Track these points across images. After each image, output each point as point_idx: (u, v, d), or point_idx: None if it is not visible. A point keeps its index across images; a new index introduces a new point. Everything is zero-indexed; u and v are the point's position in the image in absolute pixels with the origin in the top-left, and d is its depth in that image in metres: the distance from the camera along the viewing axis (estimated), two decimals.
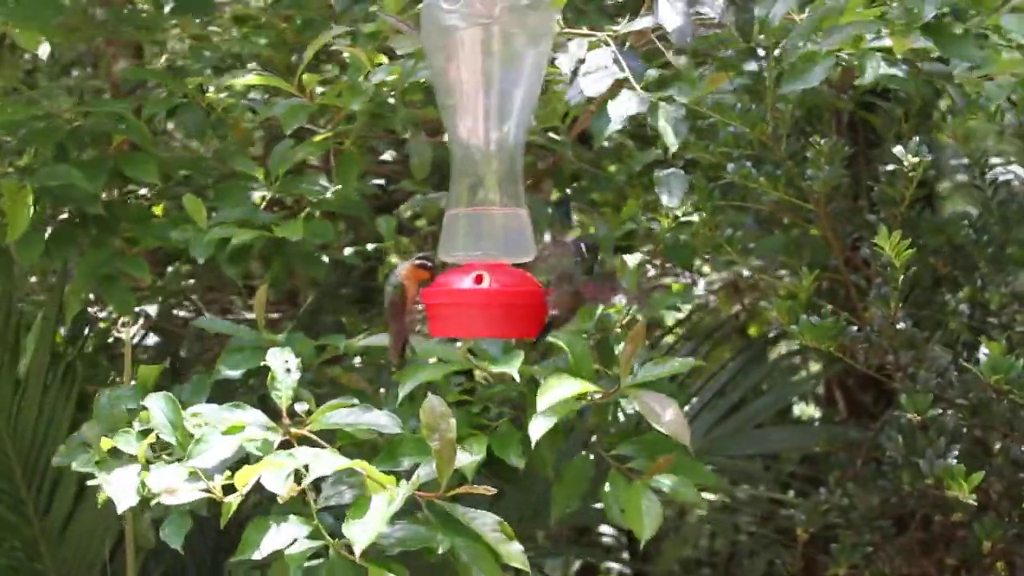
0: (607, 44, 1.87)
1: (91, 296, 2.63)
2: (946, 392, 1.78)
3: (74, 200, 2.29)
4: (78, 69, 3.52)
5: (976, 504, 1.70)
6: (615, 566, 3.76)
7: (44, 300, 2.56)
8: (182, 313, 3.11)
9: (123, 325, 2.32)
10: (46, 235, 2.29)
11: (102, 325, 2.71)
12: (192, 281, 3.08)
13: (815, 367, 2.78)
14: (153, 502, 1.69)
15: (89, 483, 1.80)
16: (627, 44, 1.89)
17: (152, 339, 3.04)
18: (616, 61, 1.83)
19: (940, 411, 1.74)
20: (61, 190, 2.24)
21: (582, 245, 1.55)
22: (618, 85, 1.83)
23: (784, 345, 2.92)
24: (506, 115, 1.47)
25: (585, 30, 1.93)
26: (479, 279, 1.46)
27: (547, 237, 2.03)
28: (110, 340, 2.75)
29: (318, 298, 2.94)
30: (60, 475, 2.36)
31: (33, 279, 2.97)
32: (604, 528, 3.69)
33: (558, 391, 1.69)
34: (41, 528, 2.37)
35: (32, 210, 2.18)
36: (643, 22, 1.87)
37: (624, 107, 1.80)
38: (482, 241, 1.49)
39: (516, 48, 1.46)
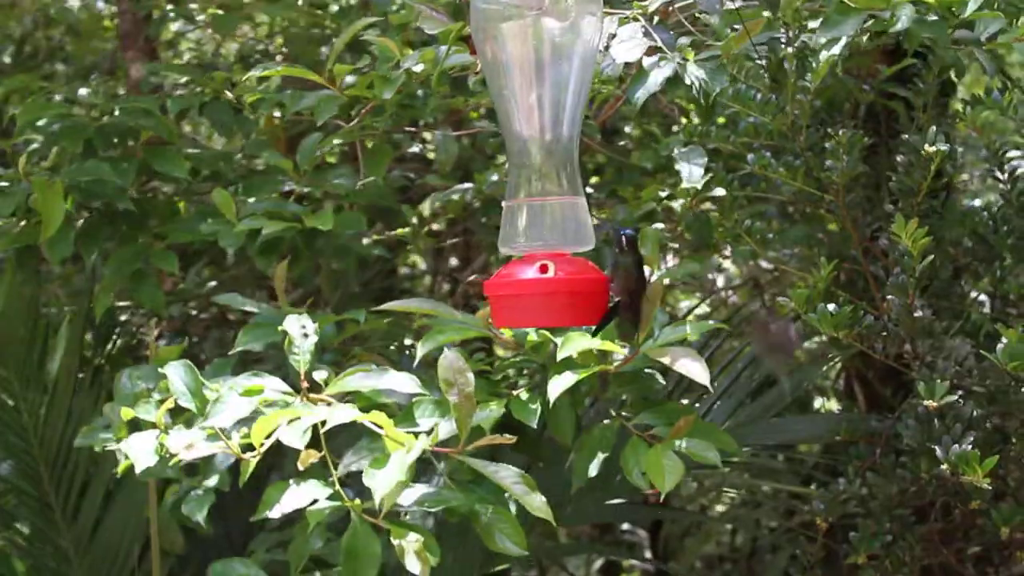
0: (637, 20, 1.88)
1: (119, 302, 2.65)
2: (964, 380, 1.78)
3: (104, 196, 2.30)
4: (95, 75, 3.54)
5: (992, 490, 1.70)
6: (638, 563, 3.77)
7: (70, 304, 2.57)
8: (204, 316, 3.12)
9: (147, 328, 2.33)
10: (74, 232, 2.29)
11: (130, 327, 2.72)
12: (214, 283, 3.09)
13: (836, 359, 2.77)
14: (172, 462, 1.69)
15: (107, 447, 1.82)
16: (656, 19, 1.90)
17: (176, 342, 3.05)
18: (647, 34, 1.84)
19: (957, 399, 1.74)
20: (91, 186, 2.26)
21: (622, 235, 1.55)
22: (652, 52, 1.84)
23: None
24: (561, 104, 1.46)
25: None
26: (544, 268, 1.45)
27: None
28: (135, 341, 2.78)
29: (341, 296, 2.94)
30: (88, 480, 2.38)
31: (58, 285, 2.99)
32: (626, 526, 3.70)
33: (578, 343, 1.71)
34: (70, 533, 2.37)
35: (65, 208, 2.20)
36: None
37: (660, 72, 1.81)
38: (542, 231, 1.48)
39: (567, 37, 1.45)
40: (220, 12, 3.11)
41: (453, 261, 3.69)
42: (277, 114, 2.46)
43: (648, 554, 3.72)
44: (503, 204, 1.49)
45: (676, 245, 2.59)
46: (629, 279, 1.51)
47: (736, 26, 1.82)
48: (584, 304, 1.48)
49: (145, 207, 2.39)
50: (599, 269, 1.51)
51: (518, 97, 1.47)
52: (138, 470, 1.70)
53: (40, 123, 2.34)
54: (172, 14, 3.38)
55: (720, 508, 3.60)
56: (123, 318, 2.78)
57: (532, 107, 1.47)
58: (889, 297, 1.80)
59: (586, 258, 1.51)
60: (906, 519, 1.94)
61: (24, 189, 2.25)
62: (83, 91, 2.50)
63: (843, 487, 1.92)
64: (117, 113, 2.36)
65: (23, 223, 2.30)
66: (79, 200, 2.31)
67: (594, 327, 1.60)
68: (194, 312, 3.10)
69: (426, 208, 2.94)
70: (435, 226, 3.07)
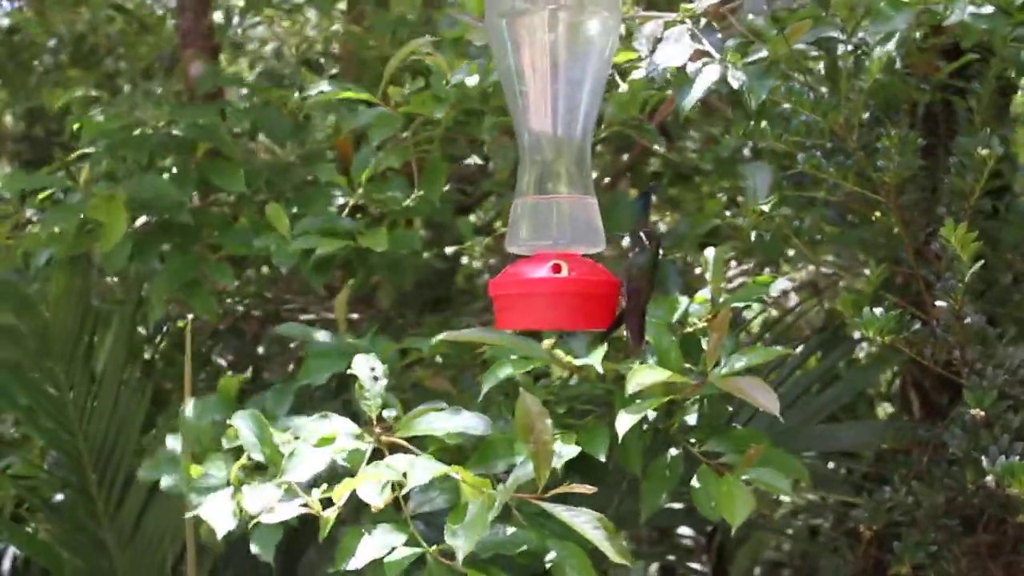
0: (683, 23, 1.85)
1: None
2: (1014, 389, 1.73)
3: (162, 209, 2.32)
4: (156, 75, 3.57)
5: None
6: (695, 567, 3.72)
7: (122, 298, 2.58)
8: (257, 313, 3.12)
9: (185, 323, 2.33)
10: (131, 244, 2.31)
11: (180, 324, 2.73)
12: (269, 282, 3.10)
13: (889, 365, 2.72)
14: (251, 524, 1.69)
15: (186, 515, 1.82)
16: (703, 22, 1.87)
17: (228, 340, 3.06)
18: (694, 36, 1.81)
19: (1006, 408, 1.68)
20: (151, 200, 2.27)
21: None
22: (698, 56, 1.81)
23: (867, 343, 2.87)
24: (574, 102, 1.44)
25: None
26: (557, 268, 1.41)
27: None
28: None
29: (398, 301, 2.93)
30: (132, 473, 2.37)
31: (112, 278, 3.01)
32: (684, 530, 3.65)
33: (646, 376, 1.68)
34: (112, 527, 2.38)
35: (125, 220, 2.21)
36: None
37: (707, 76, 1.79)
38: (550, 230, 1.45)
39: (582, 33, 1.43)
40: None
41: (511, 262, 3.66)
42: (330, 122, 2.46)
43: (704, 558, 3.68)
44: (513, 202, 1.46)
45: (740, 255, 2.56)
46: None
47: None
48: (594, 306, 1.44)
49: (200, 219, 2.40)
50: (609, 271, 1.47)
51: (532, 94, 1.44)
52: (219, 535, 1.70)
53: (99, 137, 2.36)
54: (239, 10, 3.39)
55: (780, 512, 3.55)
56: (175, 312, 2.78)
57: (546, 104, 1.44)
58: (938, 303, 1.75)
59: (596, 259, 1.47)
60: (953, 529, 1.89)
61: (81, 201, 2.27)
62: (143, 102, 2.51)
63: (888, 495, 1.88)
64: (177, 127, 2.38)
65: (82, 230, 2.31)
66: (136, 213, 2.33)
67: (603, 332, 1.56)
68: (248, 310, 3.10)
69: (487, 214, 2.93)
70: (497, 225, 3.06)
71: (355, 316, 3.02)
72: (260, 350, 3.10)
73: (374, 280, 3.04)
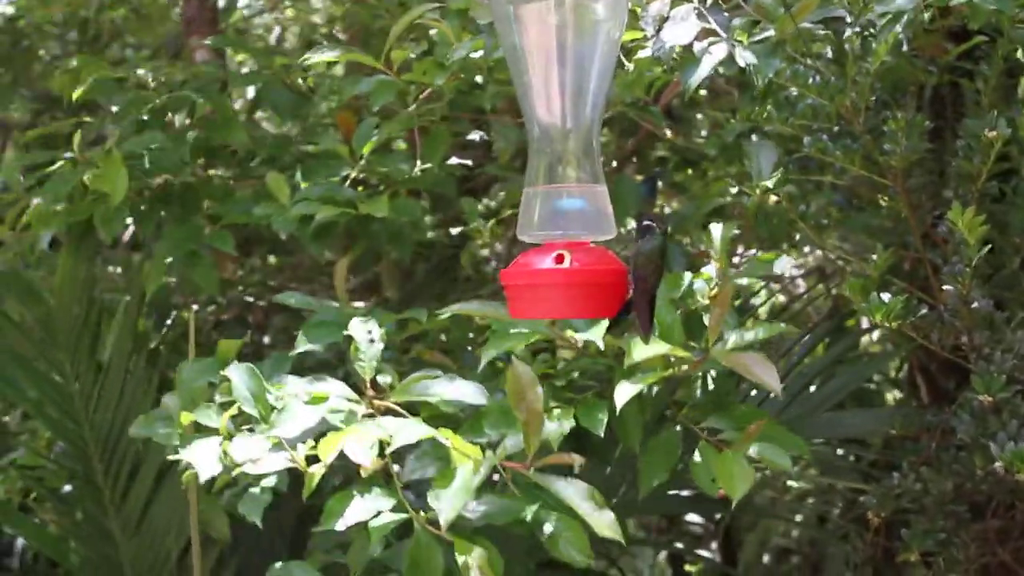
0: (689, 2, 1.84)
1: (175, 283, 2.65)
2: (1023, 374, 1.71)
3: (163, 169, 2.30)
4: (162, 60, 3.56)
5: None
6: (705, 554, 3.72)
7: (127, 287, 2.58)
8: (262, 303, 3.12)
9: (187, 310, 2.32)
10: (128, 210, 2.29)
11: (184, 313, 2.72)
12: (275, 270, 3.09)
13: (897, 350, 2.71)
14: (235, 471, 1.68)
15: (171, 458, 1.78)
16: (710, 1, 1.86)
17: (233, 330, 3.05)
18: (700, 15, 1.80)
19: (1014, 393, 1.67)
20: (151, 156, 2.26)
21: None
22: (705, 35, 1.80)
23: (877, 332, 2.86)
24: (582, 89, 1.41)
25: None
26: (560, 259, 1.39)
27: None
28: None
29: (404, 289, 2.92)
30: (138, 463, 2.37)
31: (116, 270, 3.01)
32: (692, 517, 3.65)
33: (646, 350, 1.67)
34: (118, 516, 2.37)
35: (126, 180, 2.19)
36: None
37: (714, 55, 1.78)
38: (560, 219, 1.43)
39: (590, 18, 1.41)
40: None
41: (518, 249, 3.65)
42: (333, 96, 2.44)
43: (714, 545, 3.67)
44: (524, 190, 1.45)
45: (747, 241, 2.54)
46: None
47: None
48: (602, 295, 1.43)
49: (200, 189, 2.38)
50: (618, 259, 1.46)
51: (538, 80, 1.42)
52: (202, 479, 1.68)
53: (103, 98, 2.35)
54: None
55: (786, 498, 3.54)
56: (180, 300, 2.78)
57: (553, 91, 1.41)
58: (945, 287, 1.74)
59: (606, 247, 1.46)
60: (961, 516, 1.88)
61: (79, 171, 2.25)
62: (143, 71, 2.50)
63: (897, 482, 1.86)
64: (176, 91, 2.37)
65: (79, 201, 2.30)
66: (135, 177, 2.30)
67: (611, 320, 1.55)
68: (253, 300, 3.09)
69: (493, 199, 2.91)
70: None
71: (360, 304, 3.01)
72: (266, 339, 3.09)
73: (378, 268, 3.04)
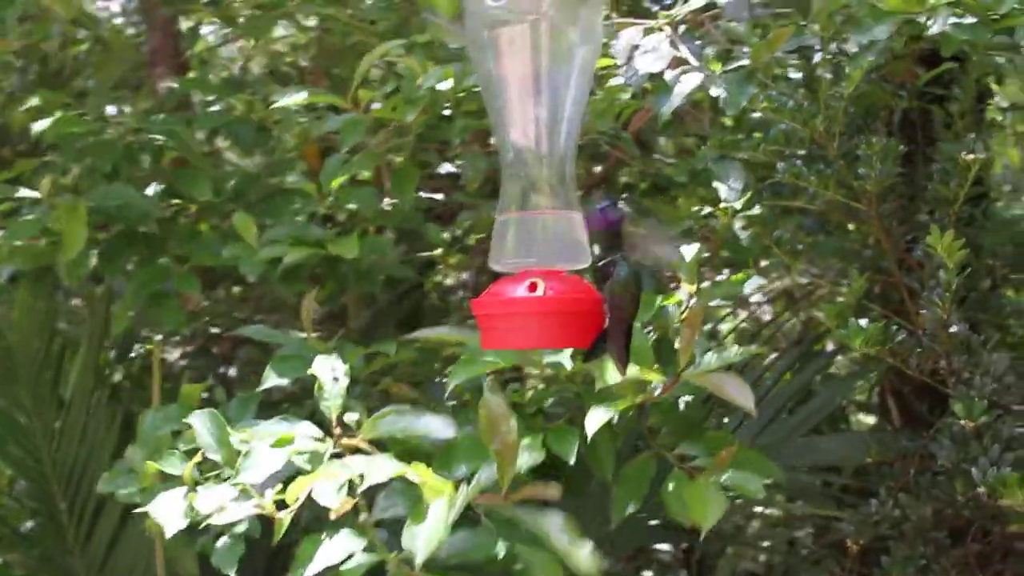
0: (661, 30, 1.83)
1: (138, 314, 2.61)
2: (1003, 397, 1.70)
3: (127, 219, 2.27)
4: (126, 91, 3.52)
5: None
6: None
7: (88, 321, 2.54)
8: (227, 334, 3.08)
9: (156, 346, 2.29)
10: (92, 255, 2.27)
11: (148, 347, 2.68)
12: (240, 301, 3.06)
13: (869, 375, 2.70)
14: (202, 524, 1.64)
15: (136, 511, 1.75)
16: (682, 28, 1.85)
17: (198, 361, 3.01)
18: (672, 44, 1.79)
19: (995, 417, 1.66)
20: (116, 210, 2.23)
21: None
22: (677, 63, 1.79)
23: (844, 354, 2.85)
24: (556, 116, 1.39)
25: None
26: (533, 287, 1.37)
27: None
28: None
29: (369, 316, 2.89)
30: (103, 501, 2.32)
31: (77, 302, 2.96)
32: (660, 546, 3.63)
33: (615, 373, 1.64)
34: (82, 556, 2.32)
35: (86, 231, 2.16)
36: (697, 2, 1.85)
37: (686, 83, 1.77)
38: (534, 247, 1.40)
39: (565, 45, 1.39)
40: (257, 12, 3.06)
41: (486, 278, 3.64)
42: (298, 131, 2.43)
43: (683, 573, 3.65)
44: (496, 218, 1.43)
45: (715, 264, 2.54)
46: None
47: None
48: (578, 325, 1.40)
49: (166, 229, 2.35)
50: (593, 288, 1.43)
51: (512, 106, 1.40)
52: (168, 534, 1.64)
53: (67, 140, 2.31)
54: (204, 25, 3.35)
55: (755, 524, 3.53)
56: (144, 333, 2.74)
57: (527, 117, 1.39)
58: (923, 311, 1.73)
59: (580, 276, 1.44)
60: (941, 542, 1.86)
61: (45, 211, 2.22)
62: (111, 109, 2.47)
63: (875, 508, 1.85)
64: (142, 132, 2.34)
65: (41, 242, 2.26)
66: (100, 222, 2.28)
67: (586, 351, 1.52)
68: (219, 331, 3.06)
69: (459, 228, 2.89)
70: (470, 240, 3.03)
71: (325, 335, 2.98)
72: (232, 372, 3.05)
73: (344, 299, 3.01)
